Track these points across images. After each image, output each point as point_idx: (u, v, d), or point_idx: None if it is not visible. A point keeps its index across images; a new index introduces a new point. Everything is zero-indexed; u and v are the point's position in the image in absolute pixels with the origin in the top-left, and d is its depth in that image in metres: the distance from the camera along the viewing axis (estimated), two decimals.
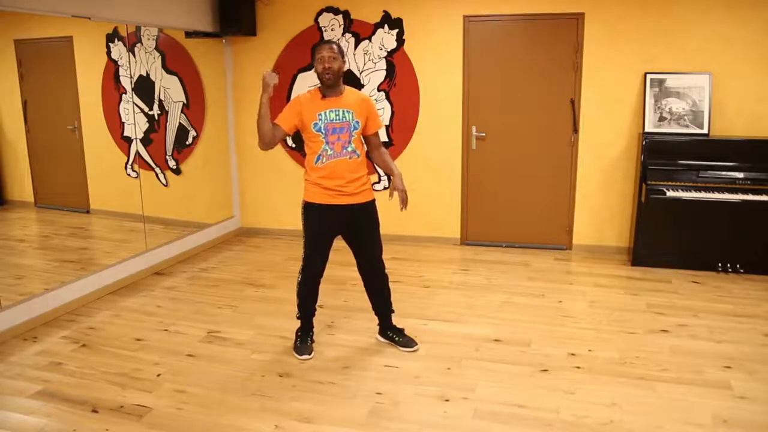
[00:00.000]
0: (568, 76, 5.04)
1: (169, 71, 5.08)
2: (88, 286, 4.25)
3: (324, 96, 3.14)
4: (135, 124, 4.79)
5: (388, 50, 5.35)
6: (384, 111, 5.46)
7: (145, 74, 4.85)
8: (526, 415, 2.77)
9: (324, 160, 3.14)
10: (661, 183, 4.59)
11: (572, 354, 3.35)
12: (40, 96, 4.31)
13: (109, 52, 4.57)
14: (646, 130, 4.79)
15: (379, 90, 5.43)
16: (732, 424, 2.66)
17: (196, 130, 5.43)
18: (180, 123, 5.27)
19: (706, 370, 3.15)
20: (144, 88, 4.85)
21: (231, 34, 5.40)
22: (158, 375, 3.18)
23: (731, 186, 4.49)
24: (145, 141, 4.91)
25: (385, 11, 5.29)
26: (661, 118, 4.78)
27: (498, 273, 4.77)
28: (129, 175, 4.84)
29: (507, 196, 5.39)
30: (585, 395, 2.92)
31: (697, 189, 4.53)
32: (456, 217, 5.53)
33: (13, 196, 4.34)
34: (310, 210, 3.25)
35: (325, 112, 3.11)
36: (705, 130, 4.70)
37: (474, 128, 5.32)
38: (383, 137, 5.49)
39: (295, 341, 3.44)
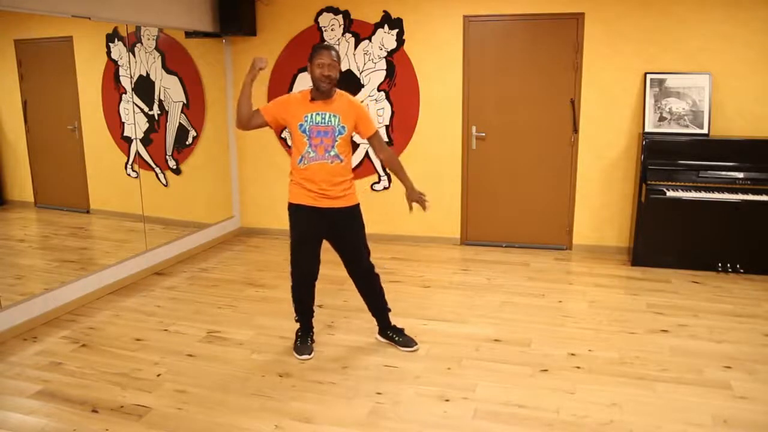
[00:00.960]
0: (568, 76, 5.04)
1: (169, 71, 5.08)
2: (88, 286, 4.25)
3: (313, 99, 3.14)
4: (135, 124, 4.79)
5: (388, 50, 5.35)
6: (384, 111, 5.46)
7: (145, 74, 4.85)
8: (526, 415, 2.77)
9: (306, 162, 3.16)
10: (661, 183, 4.59)
11: (572, 354, 3.35)
12: (40, 96, 4.31)
13: (109, 52, 4.57)
14: (646, 130, 4.79)
15: (379, 90, 5.43)
16: (732, 424, 2.66)
17: (196, 130, 5.43)
18: (180, 123, 5.27)
19: (706, 370, 3.15)
20: (144, 88, 4.85)
21: (231, 34, 5.40)
22: (158, 375, 3.18)
23: (731, 186, 4.49)
24: (145, 141, 4.91)
25: (385, 11, 5.29)
26: (661, 118, 4.78)
27: (498, 273, 4.77)
28: (129, 175, 4.84)
29: (507, 196, 5.39)
30: (585, 395, 2.92)
31: (697, 189, 4.53)
32: (456, 217, 5.53)
33: (13, 196, 4.34)
34: (294, 211, 3.27)
35: (311, 115, 3.12)
36: (705, 130, 4.70)
37: (474, 128, 5.32)
38: (383, 137, 5.48)
39: (295, 341, 3.44)
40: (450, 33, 5.19)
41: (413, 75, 5.34)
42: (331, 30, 5.43)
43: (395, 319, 3.58)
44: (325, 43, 3.12)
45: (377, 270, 3.44)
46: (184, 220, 5.42)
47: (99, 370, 3.23)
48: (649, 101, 4.79)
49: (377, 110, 5.46)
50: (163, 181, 5.14)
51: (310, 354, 3.36)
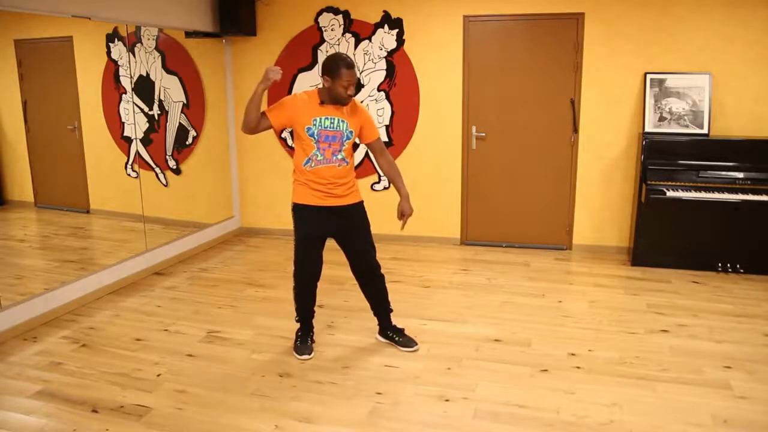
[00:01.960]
0: (568, 76, 5.04)
1: (169, 71, 5.08)
2: (88, 286, 4.25)
3: (322, 102, 3.13)
4: (135, 124, 4.79)
5: (388, 50, 5.35)
6: (384, 111, 5.46)
7: (145, 74, 4.85)
8: (526, 415, 2.77)
9: (313, 165, 3.16)
10: (661, 183, 4.59)
11: (572, 354, 3.36)
12: (40, 96, 4.31)
13: (109, 52, 4.57)
14: (646, 130, 4.79)
15: (379, 90, 5.43)
16: (732, 424, 2.66)
17: (196, 130, 5.43)
18: (180, 123, 5.27)
19: (706, 370, 3.15)
20: (144, 88, 4.85)
21: (231, 34, 5.40)
22: (158, 375, 3.18)
23: (731, 186, 4.49)
24: (145, 141, 4.91)
25: (385, 11, 5.29)
26: (661, 118, 4.78)
27: (498, 273, 4.77)
28: (129, 175, 4.84)
29: (507, 196, 5.38)
30: (585, 395, 2.92)
31: (697, 189, 4.53)
32: (456, 217, 5.53)
33: (13, 196, 4.34)
34: (300, 212, 3.26)
35: (320, 119, 3.11)
36: (705, 130, 4.70)
37: (474, 128, 5.32)
38: (383, 137, 5.49)
39: (296, 341, 3.44)
40: (450, 33, 5.19)
41: (413, 75, 5.34)
42: (331, 30, 5.43)
43: (395, 319, 3.58)
44: (346, 58, 3.09)
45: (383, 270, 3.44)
46: (184, 220, 5.41)
47: (99, 370, 3.23)
48: (649, 101, 4.79)
49: (377, 110, 5.46)
50: (163, 181, 5.14)
51: (310, 354, 3.37)
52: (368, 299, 3.50)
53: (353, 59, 3.48)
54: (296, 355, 3.36)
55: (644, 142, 4.66)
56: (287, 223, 5.90)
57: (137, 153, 4.86)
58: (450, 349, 3.44)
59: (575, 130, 5.12)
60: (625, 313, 3.93)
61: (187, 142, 5.35)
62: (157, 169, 5.07)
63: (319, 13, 5.44)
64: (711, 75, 4.72)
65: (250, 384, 3.09)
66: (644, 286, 4.42)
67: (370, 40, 5.37)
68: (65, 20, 4.10)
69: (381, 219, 5.61)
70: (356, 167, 5.50)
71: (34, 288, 3.94)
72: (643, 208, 4.69)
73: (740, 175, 4.51)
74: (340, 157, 3.17)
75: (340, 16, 5.39)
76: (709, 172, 4.56)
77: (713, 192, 4.49)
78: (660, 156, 4.64)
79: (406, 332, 3.51)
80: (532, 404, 2.85)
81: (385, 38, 5.34)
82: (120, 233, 4.91)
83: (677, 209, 4.61)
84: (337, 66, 3.03)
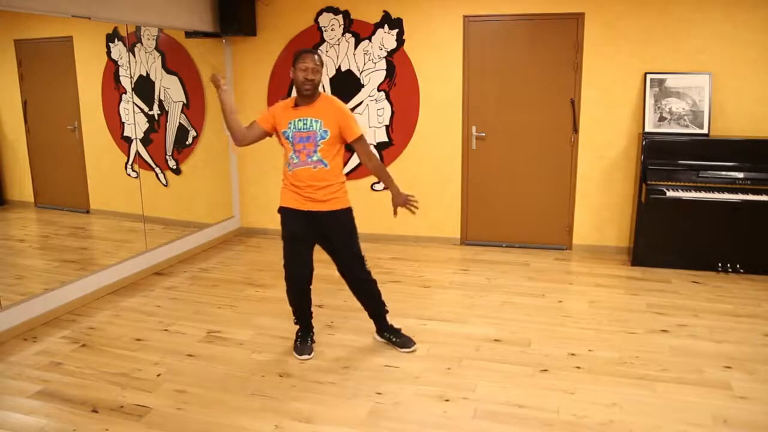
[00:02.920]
0: (568, 76, 5.04)
1: (169, 71, 5.08)
2: (88, 286, 4.25)
3: (296, 105, 3.14)
4: (135, 124, 4.79)
5: (388, 50, 5.35)
6: (384, 111, 5.46)
7: (145, 74, 4.85)
8: (526, 415, 2.77)
9: (291, 168, 3.17)
10: (661, 183, 4.59)
11: (572, 354, 3.35)
12: (40, 96, 4.31)
13: (109, 52, 4.57)
14: (646, 130, 4.79)
15: (379, 90, 5.43)
16: (732, 424, 2.66)
17: (196, 130, 5.43)
18: (180, 123, 5.27)
19: (706, 370, 3.15)
20: (144, 88, 4.85)
21: (231, 34, 5.40)
22: (158, 375, 3.18)
23: (731, 186, 4.49)
24: (145, 141, 4.91)
25: (385, 11, 5.29)
26: (661, 118, 4.78)
27: (498, 273, 4.77)
28: (129, 175, 4.84)
29: (507, 196, 5.38)
30: (585, 395, 2.92)
31: (697, 189, 4.53)
32: (456, 217, 5.53)
33: (13, 196, 4.34)
34: (283, 214, 3.27)
35: (294, 121, 3.12)
36: (705, 130, 4.70)
37: (474, 128, 5.32)
38: (383, 137, 5.49)
39: (296, 341, 3.44)
40: (450, 33, 5.19)
41: (413, 75, 5.34)
42: (331, 30, 5.43)
43: (395, 319, 3.58)
44: (307, 48, 3.11)
45: (375, 275, 3.42)
46: (184, 220, 5.42)
47: (99, 370, 3.23)
48: (649, 101, 4.79)
49: (377, 110, 5.46)
50: (163, 181, 5.14)
51: (310, 354, 3.36)
52: (360, 302, 3.49)
53: (318, 52, 3.47)
54: (296, 355, 3.36)
55: (644, 142, 4.66)
56: None
57: (137, 153, 4.86)
58: (450, 349, 3.44)
59: (575, 130, 5.12)
60: (625, 313, 3.93)
61: (187, 142, 5.35)
62: (157, 169, 5.07)
63: (319, 13, 5.44)
64: (711, 75, 4.72)
65: (250, 384, 3.08)
66: (644, 286, 4.42)
67: (370, 40, 5.37)
68: (65, 20, 4.10)
69: (381, 219, 5.62)
70: (355, 168, 5.50)
71: (34, 288, 3.95)
72: (643, 208, 4.68)
73: (740, 175, 4.50)
74: (315, 158, 3.12)
75: (340, 16, 5.39)
76: (709, 172, 4.56)
77: (713, 192, 4.49)
78: (660, 156, 4.64)
79: (406, 332, 3.50)
80: (532, 404, 2.85)
81: (385, 38, 5.34)
82: (120, 233, 4.91)
83: (677, 209, 4.61)
84: (295, 55, 3.11)
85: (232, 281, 4.68)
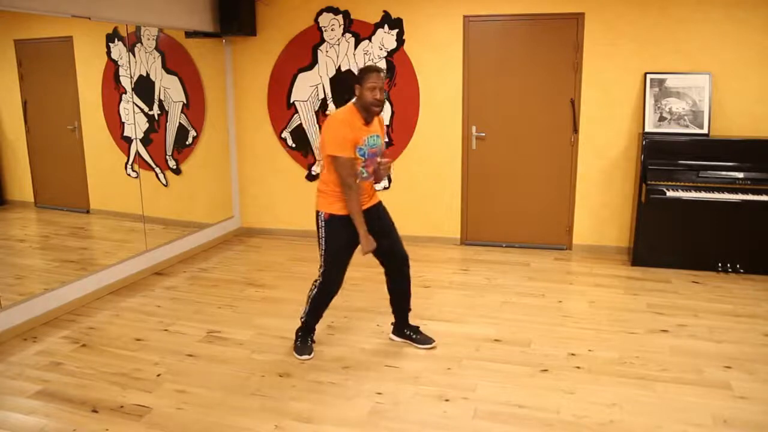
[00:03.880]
0: (568, 76, 5.04)
1: (169, 71, 5.08)
2: (88, 286, 4.25)
3: (366, 122, 3.14)
4: (135, 124, 4.79)
5: (388, 50, 5.35)
6: (384, 111, 5.45)
7: (145, 74, 4.85)
8: (526, 415, 2.77)
9: (357, 181, 3.15)
10: (661, 183, 4.59)
11: (572, 354, 3.36)
12: (40, 96, 4.31)
13: (109, 52, 4.57)
14: (646, 130, 4.79)
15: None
16: (732, 424, 2.66)
17: (196, 130, 5.43)
18: (180, 123, 5.27)
19: (706, 370, 3.15)
20: (144, 88, 4.85)
21: (231, 34, 5.40)
22: (158, 375, 3.18)
23: (731, 186, 4.49)
24: (145, 141, 4.91)
25: (385, 11, 5.29)
26: (661, 118, 4.78)
27: (498, 273, 4.77)
28: (129, 175, 4.84)
29: (507, 196, 5.39)
30: (585, 395, 2.92)
31: (697, 189, 4.53)
32: (456, 217, 5.53)
33: (13, 196, 4.34)
34: (335, 223, 3.17)
35: (366, 138, 3.13)
36: (705, 130, 4.70)
37: (474, 128, 5.32)
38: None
39: (296, 341, 3.44)
40: (450, 33, 5.19)
41: (413, 75, 5.34)
42: (331, 30, 5.43)
43: (393, 318, 3.58)
44: (374, 65, 3.10)
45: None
46: (184, 220, 5.41)
47: (99, 370, 3.23)
48: (649, 101, 4.79)
49: None
50: (163, 181, 5.14)
51: (310, 354, 3.37)
52: (394, 297, 3.46)
53: (382, 68, 3.47)
54: (296, 355, 3.36)
55: (644, 142, 4.65)
56: (287, 223, 5.95)
57: (137, 153, 4.86)
58: (450, 349, 3.44)
59: (575, 130, 5.12)
60: (625, 313, 3.93)
61: (187, 142, 5.35)
62: (157, 169, 5.07)
63: (319, 13, 5.44)
64: (711, 75, 4.72)
65: (250, 384, 3.09)
66: (644, 286, 4.42)
67: (370, 40, 5.37)
68: (65, 20, 4.10)
69: None
70: None
71: (34, 288, 3.94)
72: (643, 208, 4.68)
73: (740, 175, 4.50)
74: (371, 170, 3.24)
75: (340, 16, 5.39)
76: (709, 172, 4.56)
77: (713, 192, 4.49)
78: (660, 156, 4.64)
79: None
80: (532, 404, 2.85)
81: (385, 38, 5.34)
82: (120, 233, 4.91)
83: (677, 209, 4.61)
84: (364, 71, 3.10)
85: (232, 281, 4.68)
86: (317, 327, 3.65)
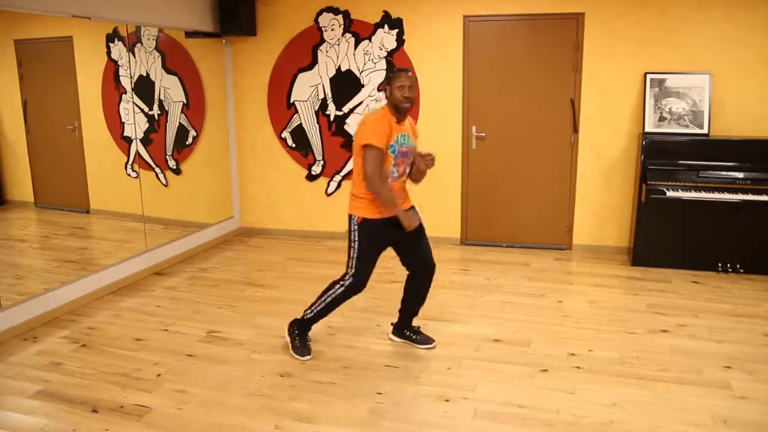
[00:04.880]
0: (568, 76, 5.04)
1: (169, 71, 5.08)
2: (88, 286, 4.25)
3: (399, 121, 3.17)
4: (135, 124, 4.79)
5: (388, 50, 5.35)
6: None
7: (145, 74, 4.85)
8: (526, 415, 2.77)
9: (389, 180, 3.15)
10: (661, 183, 4.59)
11: (572, 354, 3.36)
12: (40, 96, 4.31)
13: (109, 52, 4.57)
14: (646, 130, 4.79)
15: (379, 90, 5.43)
16: (732, 424, 2.66)
17: (196, 130, 5.43)
18: (180, 123, 5.27)
19: (706, 370, 3.15)
20: (144, 88, 4.85)
21: (231, 34, 5.40)
22: (158, 375, 3.18)
23: (731, 186, 4.49)
24: (145, 141, 4.91)
25: (385, 11, 5.29)
26: (661, 118, 4.78)
27: (498, 273, 4.77)
28: (129, 175, 4.84)
29: (507, 196, 5.38)
30: (585, 395, 2.92)
31: (697, 189, 4.53)
32: (456, 217, 5.53)
33: (13, 196, 4.34)
34: (369, 226, 3.17)
35: (399, 136, 3.15)
36: (705, 130, 4.70)
37: (474, 128, 5.32)
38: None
39: (293, 340, 3.43)
40: (450, 33, 5.19)
41: (413, 75, 5.33)
42: (331, 30, 5.43)
43: (394, 318, 3.58)
44: (400, 67, 3.14)
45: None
46: (184, 220, 5.41)
47: (99, 370, 3.23)
48: (649, 101, 4.79)
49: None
50: (163, 181, 5.14)
51: (309, 354, 3.37)
52: (409, 295, 3.45)
53: (410, 69, 3.49)
54: (296, 355, 3.36)
55: (644, 142, 4.65)
56: (287, 223, 5.96)
57: (137, 153, 4.86)
58: (450, 349, 3.44)
59: (575, 130, 5.12)
60: (625, 313, 3.93)
61: (187, 142, 5.35)
62: (157, 169, 5.07)
63: (319, 13, 5.44)
64: (711, 75, 4.72)
65: (250, 384, 3.08)
66: (644, 286, 4.42)
67: (370, 40, 5.37)
68: (65, 20, 4.10)
69: None
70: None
71: (34, 288, 3.94)
72: (643, 208, 4.68)
73: (740, 175, 4.50)
74: (406, 170, 3.25)
75: (340, 16, 5.39)
76: (709, 172, 4.56)
77: (713, 192, 4.49)
78: (660, 156, 4.64)
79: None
80: (532, 404, 2.85)
81: (385, 38, 5.34)
82: (120, 233, 4.91)
83: (677, 209, 4.61)
84: (392, 72, 3.18)
85: (232, 281, 4.68)
86: (317, 326, 3.65)
